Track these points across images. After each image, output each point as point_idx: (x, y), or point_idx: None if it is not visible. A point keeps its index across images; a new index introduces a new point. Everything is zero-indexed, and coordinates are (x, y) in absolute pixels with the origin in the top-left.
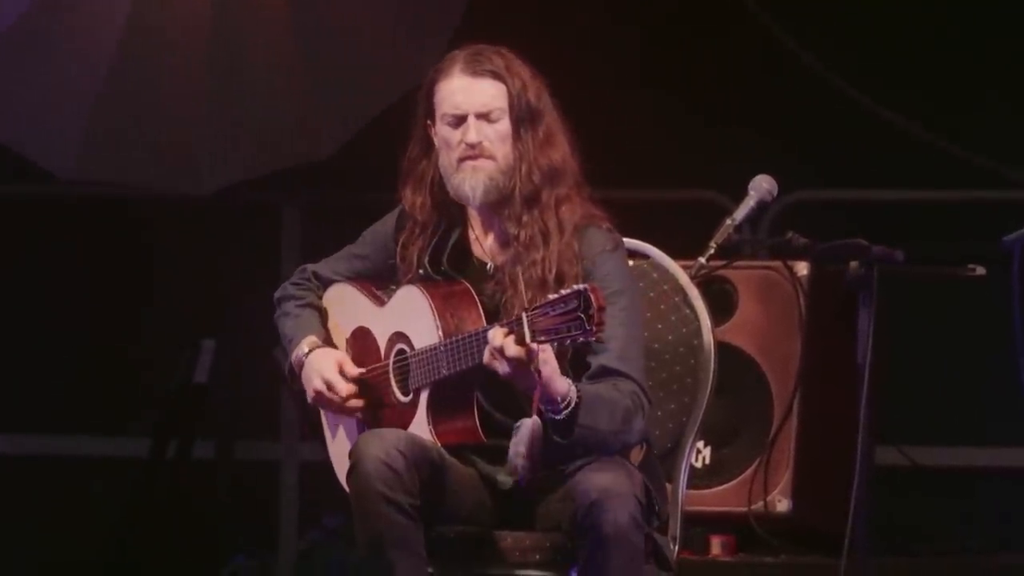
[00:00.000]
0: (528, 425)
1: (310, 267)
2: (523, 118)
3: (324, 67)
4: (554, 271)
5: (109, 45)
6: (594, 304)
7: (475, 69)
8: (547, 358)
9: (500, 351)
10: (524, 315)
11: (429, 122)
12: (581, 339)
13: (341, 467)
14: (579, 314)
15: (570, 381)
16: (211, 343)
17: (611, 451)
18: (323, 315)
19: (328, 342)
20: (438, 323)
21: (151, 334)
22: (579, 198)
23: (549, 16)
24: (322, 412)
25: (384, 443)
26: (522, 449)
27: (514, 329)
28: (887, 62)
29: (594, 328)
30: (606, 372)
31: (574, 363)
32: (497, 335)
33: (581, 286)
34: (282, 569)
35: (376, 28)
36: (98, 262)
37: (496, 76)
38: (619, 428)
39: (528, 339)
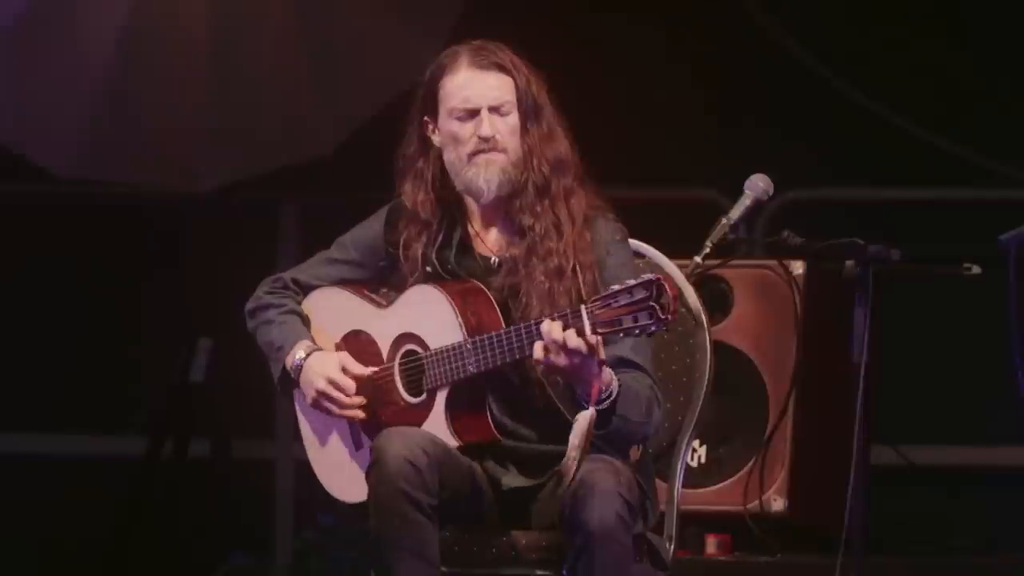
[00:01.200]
0: (586, 418)
1: (285, 275)
2: (530, 111)
3: (324, 66)
4: (571, 261)
5: (109, 45)
6: (668, 293)
7: (482, 63)
8: (601, 350)
9: (560, 345)
10: (583, 307)
11: (427, 118)
12: (653, 329)
13: (329, 474)
14: (651, 303)
15: (611, 371)
16: (208, 342)
17: (634, 443)
18: (305, 321)
19: None
20: (460, 321)
21: (148, 333)
22: (583, 190)
23: (548, 16)
24: (300, 419)
25: (408, 441)
26: (577, 441)
27: (570, 322)
28: (885, 61)
29: (669, 317)
30: (624, 363)
31: None
32: (554, 328)
33: (651, 276)
34: (278, 567)
35: (376, 28)
36: (96, 261)
37: (503, 69)
38: (644, 419)
39: (589, 331)
